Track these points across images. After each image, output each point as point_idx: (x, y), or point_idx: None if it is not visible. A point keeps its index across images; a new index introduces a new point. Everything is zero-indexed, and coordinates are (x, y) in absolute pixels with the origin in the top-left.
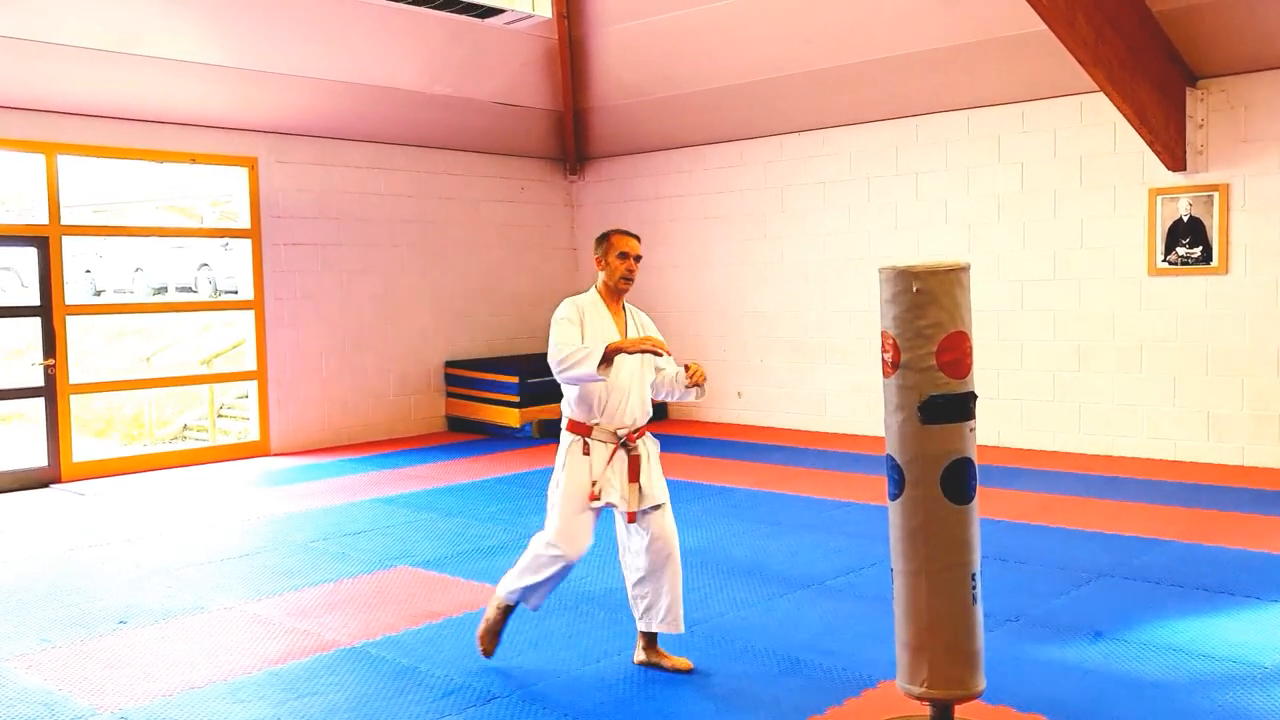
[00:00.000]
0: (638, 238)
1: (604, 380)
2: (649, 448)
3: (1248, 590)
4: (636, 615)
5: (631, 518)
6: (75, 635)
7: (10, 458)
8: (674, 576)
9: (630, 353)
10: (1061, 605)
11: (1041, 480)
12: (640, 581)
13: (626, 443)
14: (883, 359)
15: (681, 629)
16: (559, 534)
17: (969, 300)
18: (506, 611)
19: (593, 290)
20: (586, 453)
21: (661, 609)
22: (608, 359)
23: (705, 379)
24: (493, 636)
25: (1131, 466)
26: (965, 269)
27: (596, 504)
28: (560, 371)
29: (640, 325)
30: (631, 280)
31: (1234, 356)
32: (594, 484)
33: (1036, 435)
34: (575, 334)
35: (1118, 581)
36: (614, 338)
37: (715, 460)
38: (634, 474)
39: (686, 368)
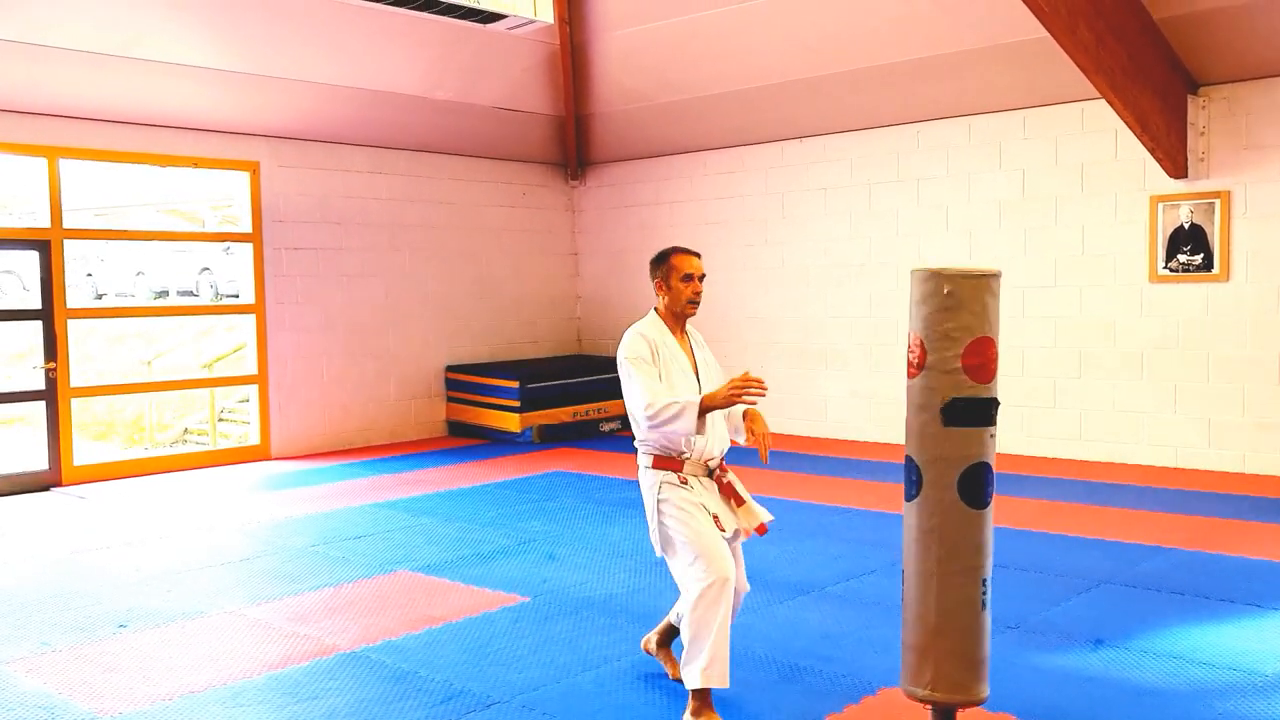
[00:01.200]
0: (699, 255)
1: (701, 436)
2: (732, 473)
3: (1248, 598)
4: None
5: (763, 529)
6: (75, 639)
7: (11, 461)
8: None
9: (720, 407)
10: (1062, 612)
11: (1042, 487)
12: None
13: (720, 472)
14: (908, 359)
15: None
16: (705, 561)
17: (998, 307)
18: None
19: (653, 315)
20: (685, 484)
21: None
22: (704, 414)
23: (769, 443)
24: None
25: (1132, 473)
26: (996, 276)
27: (726, 535)
28: (652, 426)
29: (700, 347)
30: (698, 304)
31: (1235, 364)
32: (714, 516)
33: (1037, 442)
34: (655, 375)
35: (1118, 589)
36: (689, 371)
37: None
38: (738, 499)
39: (749, 427)
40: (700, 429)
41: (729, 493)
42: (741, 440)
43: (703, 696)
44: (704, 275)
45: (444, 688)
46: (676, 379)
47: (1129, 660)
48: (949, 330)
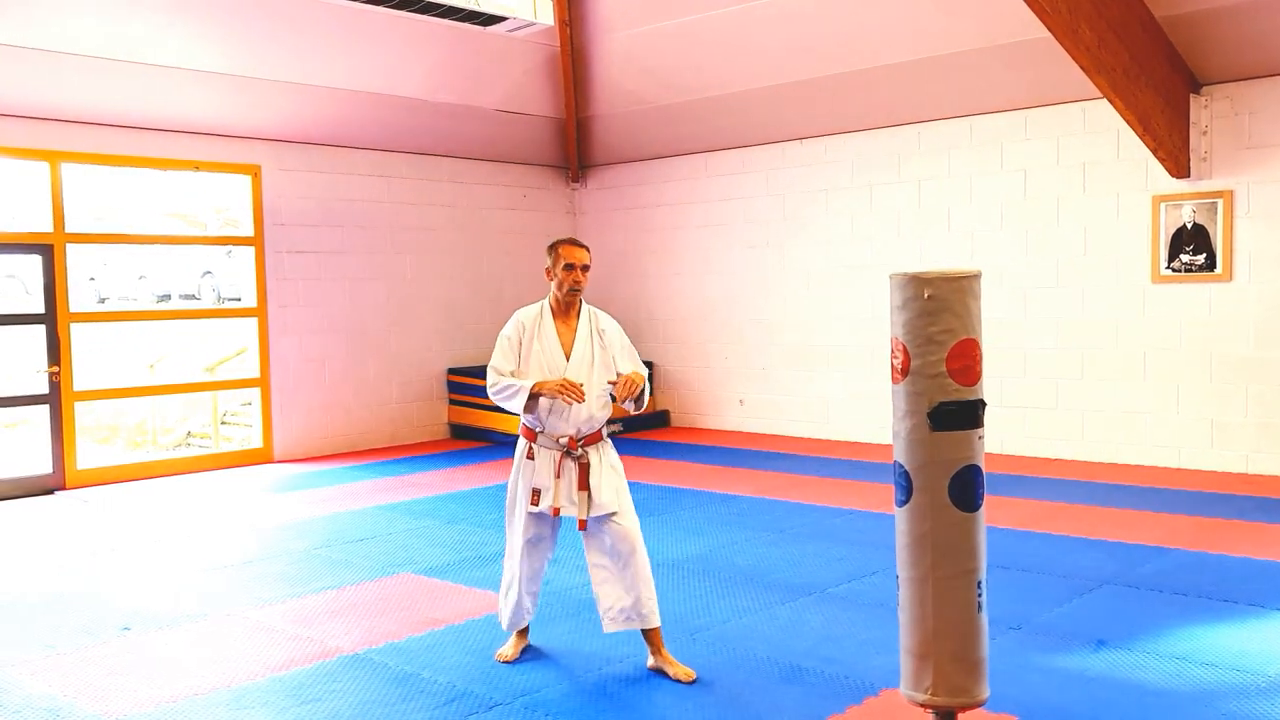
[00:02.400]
0: (586, 247)
1: (534, 413)
2: (602, 455)
3: (1251, 599)
4: (601, 616)
5: (582, 525)
6: (79, 642)
7: (14, 465)
8: (636, 575)
9: (548, 395)
10: (1064, 613)
11: (1044, 488)
12: (602, 582)
13: (570, 450)
14: (892, 365)
15: (650, 624)
16: (508, 537)
17: (980, 308)
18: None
19: (544, 302)
20: (531, 458)
21: (623, 608)
22: (534, 398)
23: (635, 392)
24: (512, 648)
25: (1134, 474)
26: (976, 276)
27: (535, 509)
28: (493, 397)
29: (597, 332)
30: (578, 291)
31: (1237, 364)
32: (535, 491)
33: (1039, 443)
34: (512, 357)
35: (1121, 589)
36: (556, 355)
37: (717, 467)
38: (582, 482)
39: (617, 381)
40: (530, 409)
41: (583, 474)
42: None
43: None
44: (587, 266)
45: (447, 689)
46: (536, 359)
47: (1132, 661)
48: (932, 334)
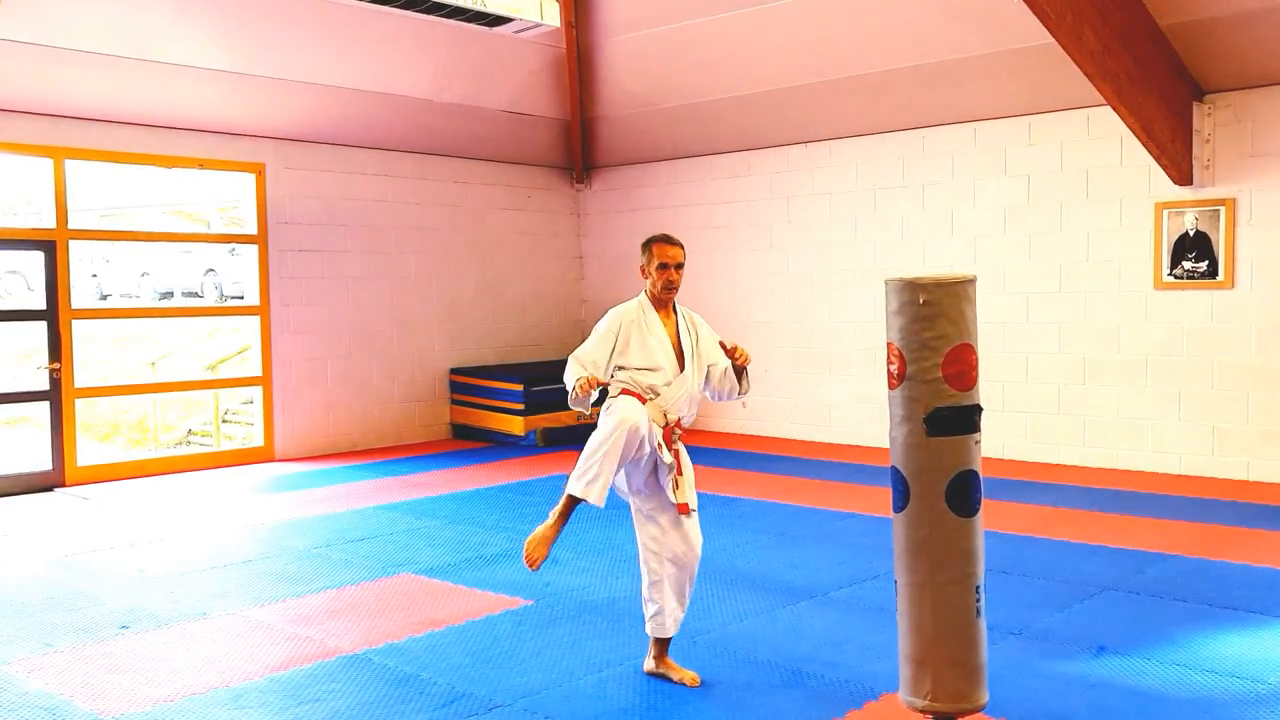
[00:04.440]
0: (680, 245)
1: (587, 414)
2: (685, 454)
3: (1252, 605)
4: (647, 617)
5: (684, 509)
6: (77, 640)
7: (14, 461)
8: (687, 586)
9: (591, 390)
10: (1065, 619)
11: (1046, 493)
12: (656, 584)
13: (673, 428)
14: (888, 370)
15: (675, 631)
16: (619, 412)
17: (975, 313)
18: (571, 506)
19: (642, 296)
20: (644, 403)
21: (671, 610)
22: (604, 397)
23: (748, 360)
24: (545, 543)
25: (1136, 480)
26: (972, 281)
27: (642, 437)
28: (567, 379)
29: (693, 327)
30: (673, 289)
31: (1240, 371)
32: (638, 428)
33: (1041, 448)
34: (605, 350)
35: (1122, 595)
36: (666, 344)
37: (719, 470)
38: (678, 468)
39: (724, 347)
40: (582, 402)
41: (677, 461)
42: (733, 369)
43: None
44: (680, 264)
45: (446, 690)
46: (654, 348)
47: (1132, 667)
48: (928, 339)
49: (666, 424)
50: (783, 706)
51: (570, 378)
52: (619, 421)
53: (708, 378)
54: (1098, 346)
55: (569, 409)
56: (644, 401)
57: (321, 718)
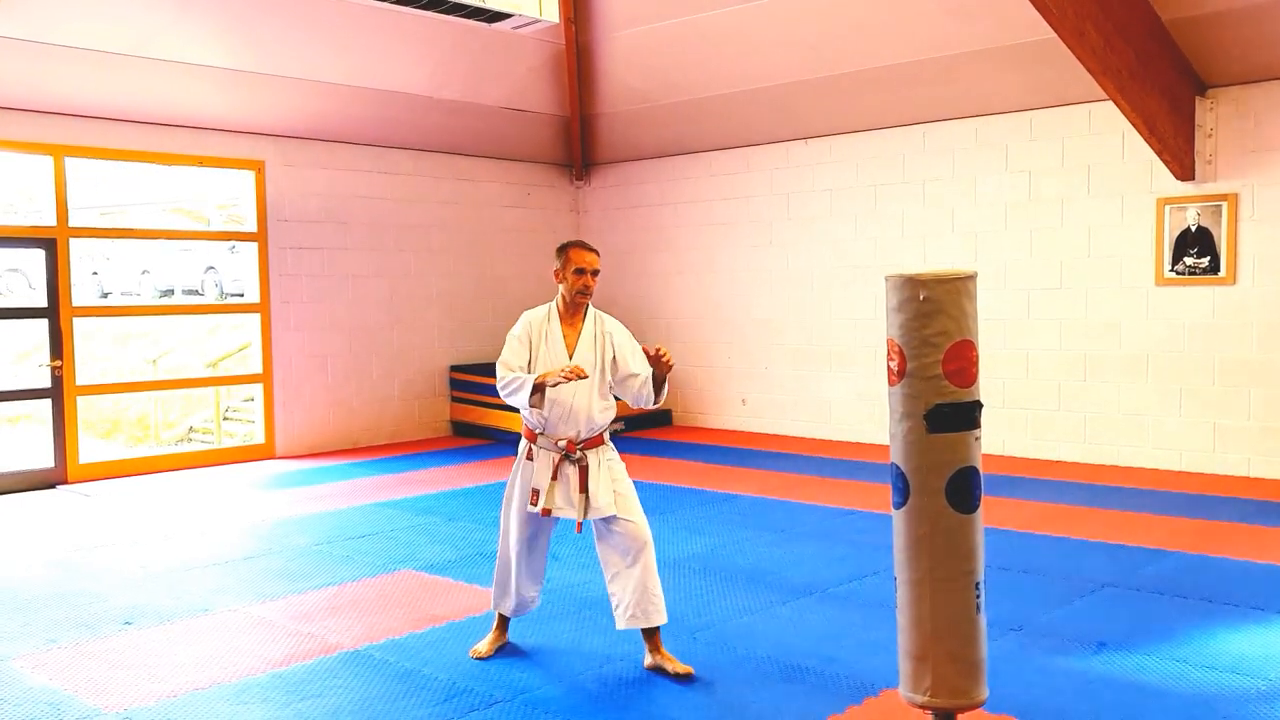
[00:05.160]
0: (596, 252)
1: (539, 410)
2: (601, 459)
3: (1252, 602)
4: (614, 613)
5: (578, 528)
6: (80, 636)
7: (17, 458)
8: (642, 574)
9: (551, 385)
10: (1065, 615)
11: (1047, 490)
12: (612, 579)
13: (568, 453)
14: (888, 367)
15: (655, 621)
16: (499, 534)
17: (975, 309)
18: (502, 624)
19: (553, 302)
20: (531, 458)
21: (629, 604)
22: (538, 389)
23: (668, 367)
24: (489, 645)
25: (1137, 477)
26: (972, 278)
27: (533, 509)
28: (501, 393)
29: (602, 335)
30: (587, 295)
31: (1241, 367)
32: (534, 491)
33: (1042, 445)
34: (523, 354)
35: (1122, 592)
36: (563, 356)
37: (719, 467)
38: (581, 484)
39: (648, 355)
40: (536, 403)
41: (582, 477)
42: (653, 378)
43: (503, 621)
44: (596, 270)
45: (447, 686)
46: (543, 361)
47: (1132, 663)
48: (928, 336)
49: (560, 452)
50: (782, 702)
51: (515, 381)
52: (507, 544)
53: (625, 385)
54: (1098, 343)
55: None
56: (534, 440)
57: (323, 713)
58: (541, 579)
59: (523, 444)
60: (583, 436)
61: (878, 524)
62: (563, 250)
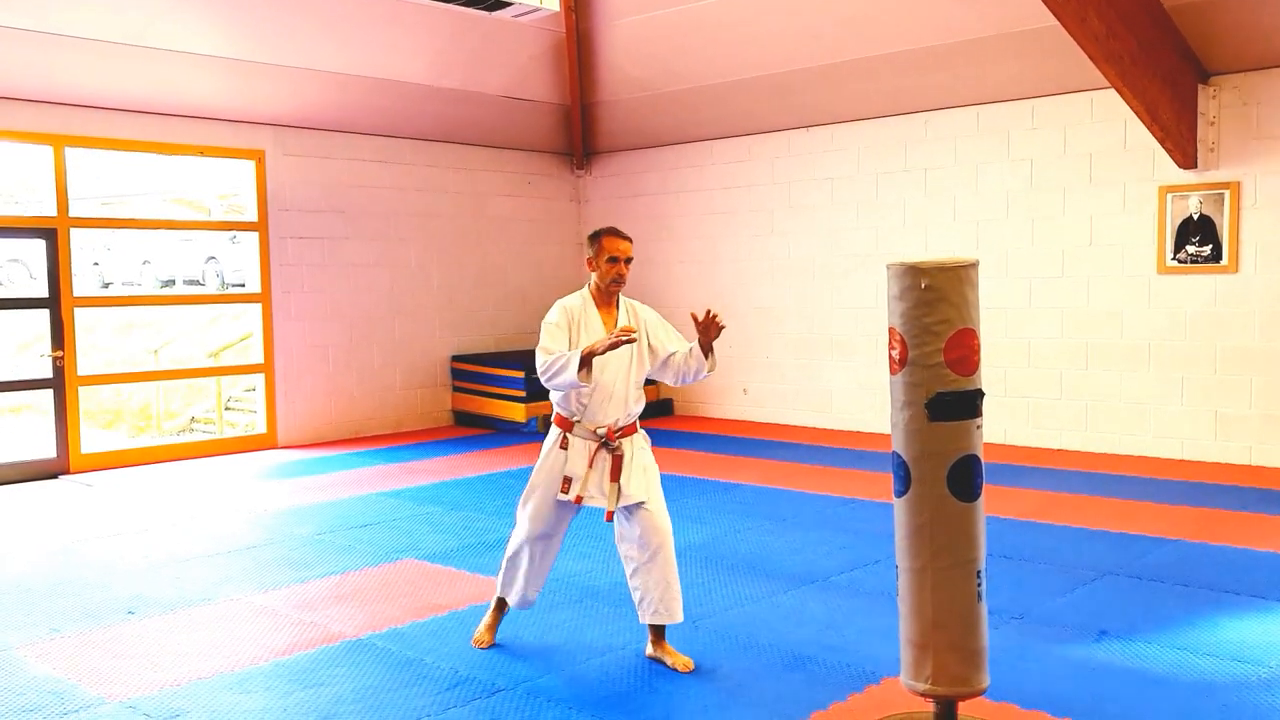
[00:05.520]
0: (629, 239)
1: (587, 386)
2: (635, 446)
3: (1254, 590)
4: (636, 605)
5: (609, 516)
6: (83, 625)
7: (19, 449)
8: (664, 568)
9: (601, 352)
10: (1066, 603)
11: (1048, 478)
12: (634, 573)
13: (608, 441)
14: (889, 355)
15: (676, 618)
16: (521, 513)
17: (977, 297)
18: (500, 607)
19: (584, 290)
20: (565, 447)
21: (653, 600)
22: (585, 364)
23: (719, 329)
24: (488, 630)
25: (1138, 465)
26: (974, 266)
27: (565, 497)
28: (545, 380)
29: (637, 321)
30: (621, 283)
31: (1243, 355)
32: (566, 479)
33: (1043, 433)
34: (563, 340)
35: (1123, 580)
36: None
37: (720, 456)
38: (615, 473)
39: (697, 320)
40: (584, 379)
41: (616, 465)
42: (699, 346)
43: (501, 605)
44: (630, 258)
45: (449, 675)
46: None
47: (1133, 651)
48: (929, 325)
49: (598, 440)
50: (784, 690)
51: (559, 360)
52: (525, 533)
53: (667, 365)
54: (1100, 331)
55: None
56: (570, 429)
57: (325, 702)
58: (544, 580)
59: (554, 432)
60: (621, 424)
61: (879, 512)
62: (595, 238)
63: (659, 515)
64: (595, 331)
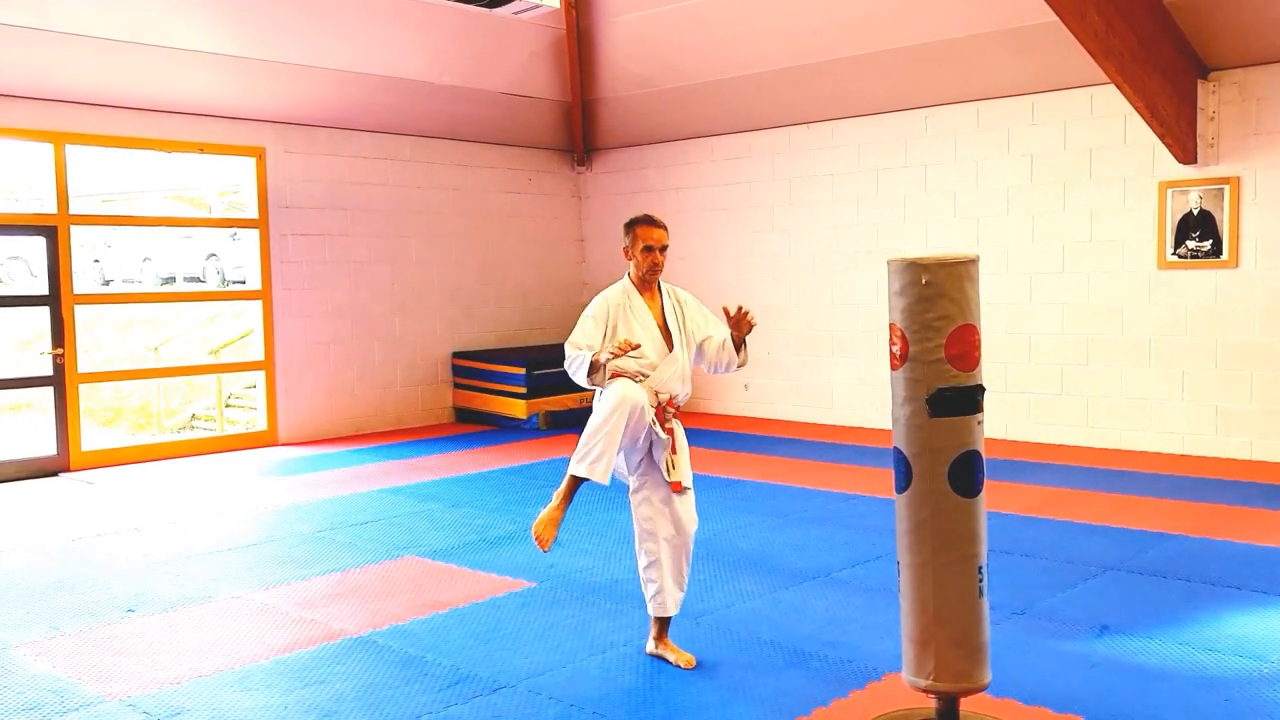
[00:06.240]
0: (664, 227)
1: (601, 386)
2: (680, 431)
3: (1255, 585)
4: (648, 598)
5: (677, 487)
6: (84, 623)
7: (19, 446)
8: (684, 562)
9: (604, 363)
10: (1068, 599)
11: (1049, 474)
12: (653, 564)
13: (666, 407)
14: (890, 351)
15: (673, 610)
16: (618, 391)
17: (978, 293)
18: (574, 486)
19: (626, 279)
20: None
21: (669, 591)
22: (597, 369)
23: (750, 326)
24: (553, 524)
25: (1139, 460)
26: (974, 261)
27: (640, 414)
28: (569, 370)
29: (678, 305)
30: (658, 271)
31: (1243, 350)
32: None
33: (1044, 429)
34: (596, 334)
35: (1125, 575)
36: (653, 327)
37: (722, 453)
38: (673, 447)
39: (728, 314)
40: (597, 381)
41: (672, 439)
42: (731, 340)
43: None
44: (665, 246)
45: (451, 672)
46: (638, 332)
47: (1135, 646)
48: (929, 320)
49: (658, 404)
50: (786, 687)
51: (578, 359)
52: (620, 399)
53: (701, 352)
54: (1101, 327)
55: (572, 391)
56: (637, 383)
57: (327, 699)
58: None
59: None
60: (679, 401)
61: (880, 508)
62: (630, 227)
63: (691, 510)
64: (642, 317)
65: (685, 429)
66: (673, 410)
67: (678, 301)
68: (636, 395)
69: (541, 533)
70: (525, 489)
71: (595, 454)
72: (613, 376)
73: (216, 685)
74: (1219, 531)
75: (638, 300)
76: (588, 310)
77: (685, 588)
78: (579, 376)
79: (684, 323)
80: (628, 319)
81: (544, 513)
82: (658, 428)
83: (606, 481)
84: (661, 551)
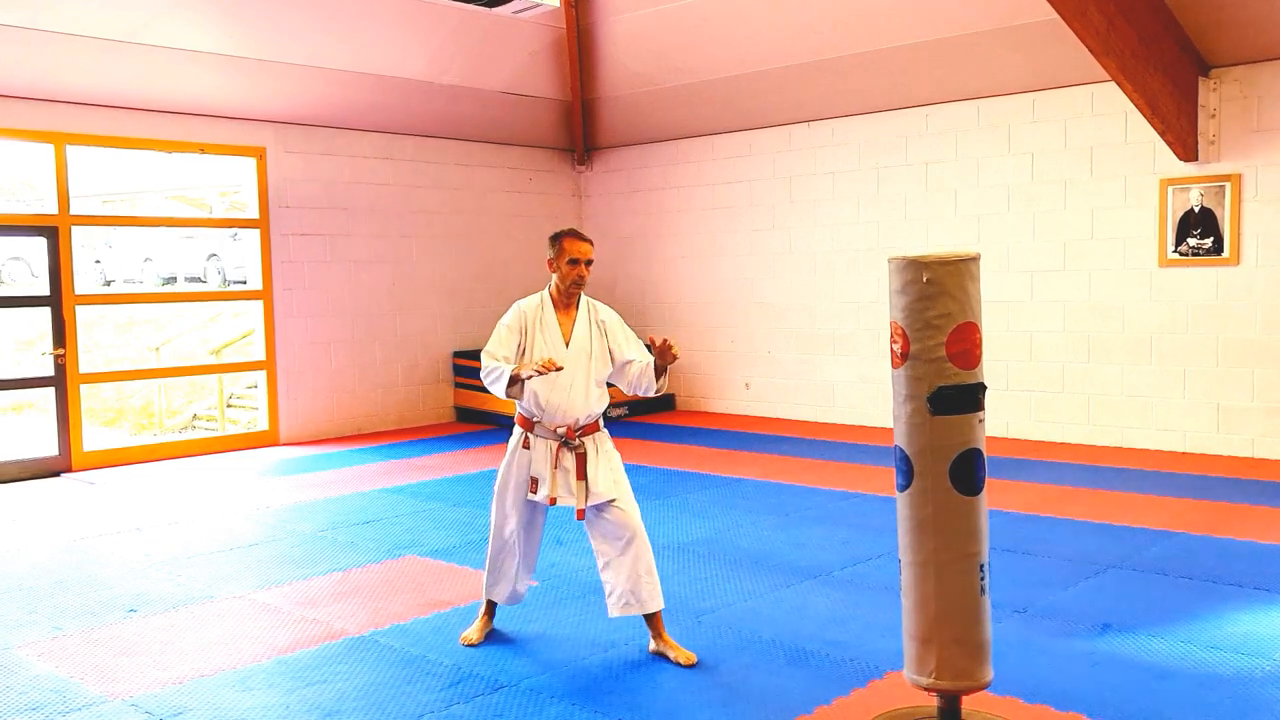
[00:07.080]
0: (590, 241)
1: (519, 399)
2: (598, 444)
3: (1257, 582)
4: (606, 600)
5: (580, 515)
6: (86, 624)
7: (21, 447)
8: (634, 562)
9: (526, 378)
10: (1070, 596)
11: (1050, 472)
12: (604, 568)
13: (567, 440)
14: (891, 349)
15: (650, 608)
16: (493, 522)
17: (979, 291)
18: (490, 609)
19: (545, 291)
20: (527, 447)
21: (622, 591)
22: (516, 381)
23: (673, 358)
24: (478, 631)
25: (1141, 458)
26: (975, 259)
27: (535, 498)
28: (485, 381)
29: (597, 324)
30: (581, 285)
31: (1245, 348)
32: (533, 480)
33: (1046, 427)
34: (511, 344)
35: (1126, 573)
36: (560, 344)
37: (722, 451)
38: (580, 471)
39: (654, 344)
40: (515, 394)
41: (580, 464)
42: (654, 367)
43: (491, 607)
44: (590, 260)
45: (452, 671)
46: (539, 350)
47: (1137, 644)
48: (931, 318)
49: (559, 440)
50: (787, 685)
51: (495, 370)
52: (505, 532)
53: (622, 373)
54: (1102, 324)
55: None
56: (531, 429)
57: (329, 699)
58: (534, 569)
59: (517, 432)
60: (581, 424)
61: (881, 507)
62: (556, 240)
63: (629, 510)
64: (552, 333)
65: (685, 427)
66: (580, 431)
67: (599, 321)
68: (509, 509)
69: (467, 638)
70: None
71: (489, 582)
72: (518, 421)
73: (218, 685)
74: (1220, 529)
75: (550, 315)
76: (504, 319)
77: (653, 585)
78: (497, 389)
79: (606, 343)
80: (534, 334)
81: (470, 629)
82: (542, 486)
83: (514, 602)
84: (609, 554)
